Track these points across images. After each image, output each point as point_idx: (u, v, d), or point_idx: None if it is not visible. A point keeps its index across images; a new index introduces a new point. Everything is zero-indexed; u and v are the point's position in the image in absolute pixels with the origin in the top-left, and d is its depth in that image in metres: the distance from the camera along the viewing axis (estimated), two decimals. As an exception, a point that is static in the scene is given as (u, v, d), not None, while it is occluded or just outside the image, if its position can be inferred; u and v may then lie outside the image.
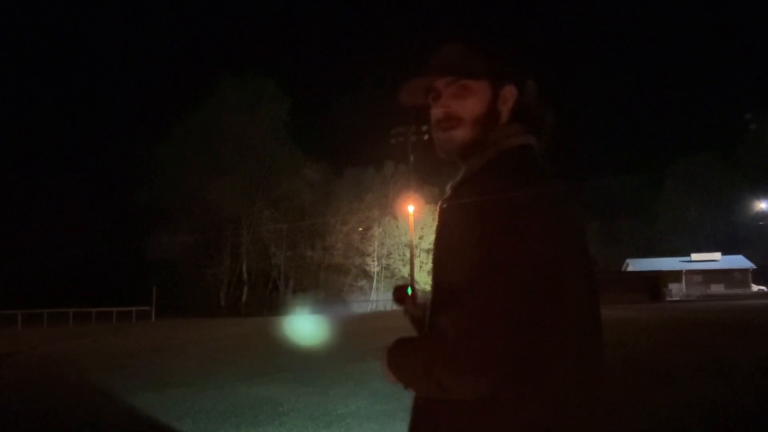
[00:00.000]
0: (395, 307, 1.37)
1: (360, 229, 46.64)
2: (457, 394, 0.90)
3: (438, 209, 1.06)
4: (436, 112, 1.10)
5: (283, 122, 45.35)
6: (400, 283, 1.44)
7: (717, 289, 50.94)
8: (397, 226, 45.87)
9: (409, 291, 1.32)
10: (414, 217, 41.76)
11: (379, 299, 46.40)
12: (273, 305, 42.29)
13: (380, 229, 46.65)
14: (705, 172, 57.54)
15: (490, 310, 0.85)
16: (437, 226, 1.03)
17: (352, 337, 13.96)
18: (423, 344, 0.98)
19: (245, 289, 43.87)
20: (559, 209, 0.97)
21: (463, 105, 1.06)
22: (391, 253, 47.05)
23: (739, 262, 52.00)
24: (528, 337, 0.87)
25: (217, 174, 41.15)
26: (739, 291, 48.50)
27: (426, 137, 42.98)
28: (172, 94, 75.48)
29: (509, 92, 1.07)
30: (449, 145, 1.09)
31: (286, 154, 44.57)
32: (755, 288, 50.10)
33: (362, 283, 47.20)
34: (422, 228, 45.93)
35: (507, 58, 1.08)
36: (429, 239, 46.83)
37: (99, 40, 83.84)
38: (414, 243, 42.57)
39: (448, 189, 1.07)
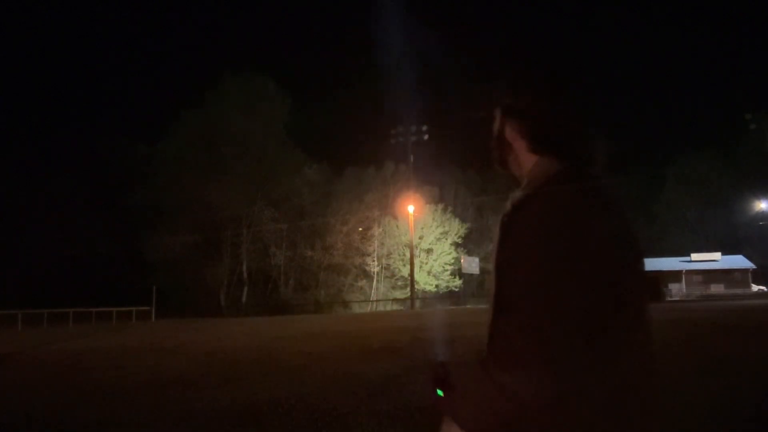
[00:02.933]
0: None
1: (360, 229, 46.63)
2: (531, 396, 0.96)
3: (501, 219, 1.16)
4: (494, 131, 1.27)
5: (283, 122, 45.37)
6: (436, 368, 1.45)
7: (717, 289, 50.93)
8: (397, 226, 45.85)
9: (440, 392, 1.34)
10: (414, 217, 41.76)
11: (378, 299, 46.39)
12: (273, 305, 42.29)
13: (380, 229, 46.64)
14: (705, 172, 57.49)
15: (573, 315, 0.95)
16: (499, 237, 1.12)
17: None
18: (494, 361, 1.03)
19: (245, 289, 43.86)
20: (617, 215, 1.09)
21: (510, 132, 1.21)
22: (391, 253, 47.02)
23: (739, 262, 51.98)
24: (600, 338, 0.95)
25: (217, 174, 41.14)
26: (739, 291, 48.48)
27: (426, 137, 43.03)
28: (172, 93, 75.46)
29: (514, 124, 1.20)
30: (499, 161, 1.27)
31: (286, 154, 44.56)
32: (755, 288, 50.08)
33: (362, 283, 47.18)
34: (422, 228, 45.90)
35: (555, 90, 1.21)
36: (429, 239, 46.80)
37: (99, 40, 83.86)
38: (414, 243, 42.55)
39: (508, 204, 1.15)
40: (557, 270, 0.96)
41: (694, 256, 52.79)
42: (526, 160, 1.18)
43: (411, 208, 41.22)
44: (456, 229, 47.41)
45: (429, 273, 46.76)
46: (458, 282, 47.52)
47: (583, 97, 1.21)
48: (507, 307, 1.04)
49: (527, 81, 1.22)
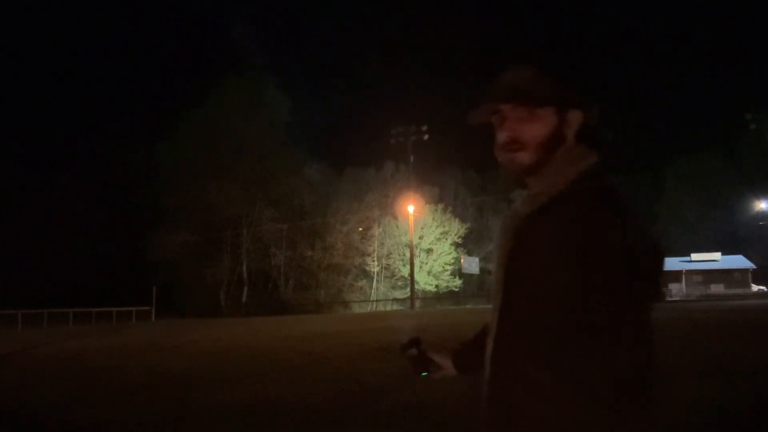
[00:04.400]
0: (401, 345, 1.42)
1: (360, 229, 46.61)
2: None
3: (512, 222, 1.09)
4: (502, 136, 1.11)
5: (283, 122, 45.39)
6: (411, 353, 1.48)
7: (717, 289, 50.91)
8: (397, 226, 45.83)
9: (424, 375, 1.36)
10: (414, 217, 41.72)
11: (378, 299, 46.38)
12: (273, 305, 42.27)
13: (380, 229, 46.61)
14: (705, 172, 57.44)
15: (608, 328, 0.91)
16: (514, 241, 1.05)
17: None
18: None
19: (245, 289, 43.84)
20: (638, 222, 1.01)
21: (528, 129, 1.08)
22: (391, 253, 47.00)
23: (739, 262, 51.96)
24: (639, 347, 0.92)
25: (217, 174, 41.12)
26: (739, 291, 48.46)
27: (426, 137, 43.01)
28: (172, 94, 75.43)
29: (574, 117, 1.09)
30: (513, 166, 1.10)
31: (286, 154, 44.55)
32: (755, 288, 50.05)
33: (362, 283, 47.17)
34: (422, 228, 45.87)
35: (575, 84, 1.11)
36: (429, 239, 46.76)
37: (99, 40, 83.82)
38: (414, 243, 42.52)
39: (518, 205, 1.09)
40: (606, 275, 0.91)
41: (694, 256, 52.77)
42: (565, 157, 1.08)
43: (411, 208, 41.18)
44: (456, 229, 47.40)
45: (429, 273, 46.75)
46: (458, 282, 47.51)
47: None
48: (526, 315, 0.99)
49: (577, 72, 1.14)
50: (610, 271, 0.92)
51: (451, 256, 47.04)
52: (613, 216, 0.96)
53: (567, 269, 0.93)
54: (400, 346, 1.40)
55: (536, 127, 1.07)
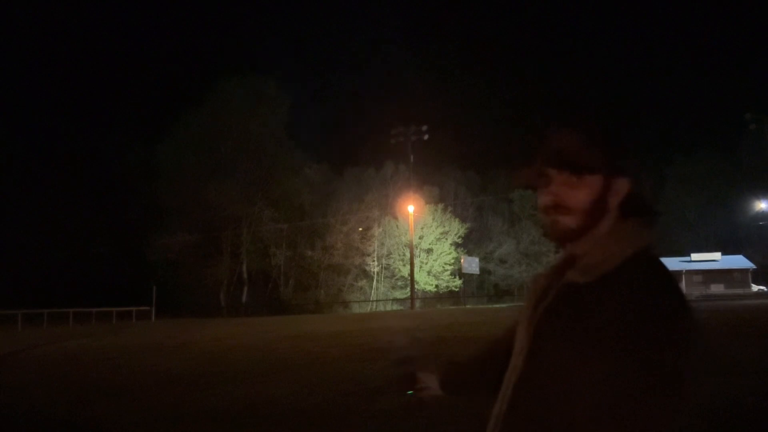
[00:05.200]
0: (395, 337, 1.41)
1: (360, 229, 46.62)
2: None
3: (552, 286, 1.04)
4: (546, 199, 1.07)
5: (283, 122, 45.39)
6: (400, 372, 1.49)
7: (717, 289, 50.92)
8: (397, 226, 45.84)
9: (410, 393, 1.36)
10: (414, 217, 41.72)
11: (378, 299, 46.38)
12: (273, 305, 42.28)
13: (380, 229, 46.62)
14: (705, 172, 57.49)
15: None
16: (553, 304, 1.01)
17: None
18: None
19: (245, 289, 43.85)
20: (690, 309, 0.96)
21: (574, 195, 1.04)
22: (391, 253, 47.01)
23: (739, 262, 51.98)
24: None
25: (217, 174, 41.14)
26: (739, 291, 48.47)
27: (426, 137, 43.02)
28: (172, 94, 75.32)
29: (622, 185, 1.05)
30: (554, 229, 1.07)
31: (286, 154, 44.57)
32: (755, 288, 50.08)
33: (362, 283, 47.18)
34: (422, 228, 45.88)
35: (624, 152, 1.08)
36: (429, 239, 46.77)
37: (99, 40, 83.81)
38: (414, 243, 42.52)
39: (569, 274, 1.02)
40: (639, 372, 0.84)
41: (694, 256, 52.79)
42: (617, 229, 1.04)
43: (411, 208, 41.18)
44: (456, 229, 47.41)
45: (429, 273, 46.75)
46: (458, 282, 47.52)
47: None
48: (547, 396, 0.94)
49: (627, 140, 1.10)
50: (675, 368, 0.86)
51: (451, 256, 47.04)
52: (679, 299, 0.93)
53: (630, 358, 0.86)
54: (393, 360, 1.39)
55: (582, 194, 1.04)
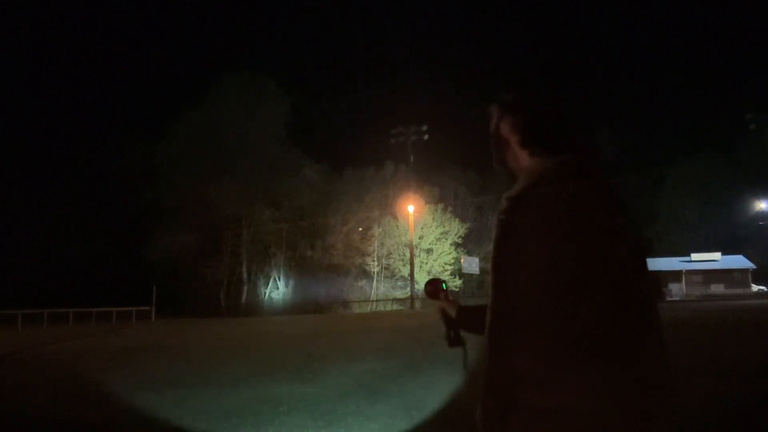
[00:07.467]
0: (426, 298, 1.49)
1: (360, 229, 46.61)
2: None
3: (498, 221, 1.12)
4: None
5: (283, 122, 45.36)
6: (430, 277, 1.69)
7: (717, 289, 50.89)
8: (397, 226, 45.83)
9: (444, 286, 1.39)
10: (414, 217, 41.73)
11: (378, 299, 46.37)
12: (273, 305, 42.27)
13: (380, 229, 46.61)
14: (705, 172, 57.46)
15: (579, 305, 0.93)
16: (497, 236, 1.08)
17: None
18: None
19: (245, 289, 43.85)
20: (617, 212, 1.04)
21: (494, 135, 1.26)
22: (391, 253, 47.00)
23: (739, 262, 51.95)
24: (612, 339, 0.93)
25: (217, 174, 41.12)
26: (739, 291, 48.46)
27: (426, 137, 43.02)
28: (172, 94, 75.31)
29: (510, 119, 1.21)
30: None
31: (286, 154, 44.55)
32: (755, 288, 50.05)
33: (362, 283, 47.17)
34: (422, 228, 45.86)
35: (505, 91, 1.26)
36: (429, 239, 46.76)
37: (99, 40, 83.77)
38: (414, 243, 42.53)
39: (504, 202, 1.13)
40: (561, 271, 0.94)
41: (694, 256, 52.77)
42: (521, 157, 1.16)
43: (411, 208, 41.18)
44: (456, 229, 47.40)
45: (429, 273, 46.73)
46: (458, 282, 47.49)
47: (580, 93, 1.21)
48: (508, 310, 1.00)
49: (523, 77, 1.23)
50: (610, 258, 0.95)
51: (451, 256, 47.03)
52: (578, 210, 1.00)
53: (532, 266, 0.97)
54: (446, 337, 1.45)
55: (493, 129, 1.26)
